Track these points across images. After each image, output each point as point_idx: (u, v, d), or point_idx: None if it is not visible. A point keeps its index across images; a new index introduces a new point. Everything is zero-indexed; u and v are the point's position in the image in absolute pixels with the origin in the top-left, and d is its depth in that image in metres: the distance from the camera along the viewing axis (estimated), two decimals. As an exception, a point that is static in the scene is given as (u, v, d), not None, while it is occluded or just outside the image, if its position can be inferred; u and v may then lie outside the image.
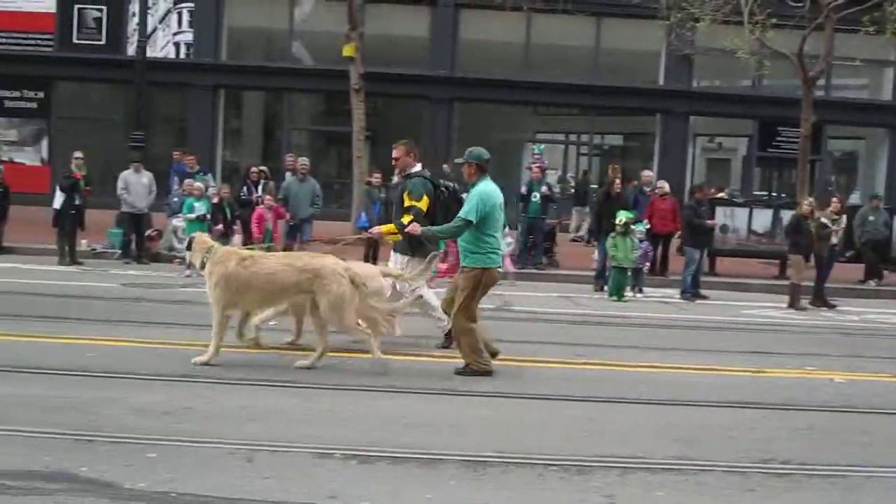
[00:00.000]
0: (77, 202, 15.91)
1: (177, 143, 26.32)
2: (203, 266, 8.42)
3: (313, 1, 27.61)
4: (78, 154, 16.89)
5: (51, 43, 27.23)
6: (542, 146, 19.69)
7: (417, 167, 9.48)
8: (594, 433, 6.75)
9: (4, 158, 25.88)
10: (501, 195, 8.60)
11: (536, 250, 17.40)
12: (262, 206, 15.26)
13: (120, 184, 15.98)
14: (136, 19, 24.83)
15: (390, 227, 9.49)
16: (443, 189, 9.56)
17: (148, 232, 16.90)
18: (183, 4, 26.88)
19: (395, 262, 9.52)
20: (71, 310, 11.11)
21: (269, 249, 14.75)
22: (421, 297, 9.43)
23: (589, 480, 5.62)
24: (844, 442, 6.91)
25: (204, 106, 26.88)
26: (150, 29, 23.66)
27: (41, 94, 27.56)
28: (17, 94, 27.61)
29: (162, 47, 26.84)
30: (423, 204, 9.18)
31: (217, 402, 7.08)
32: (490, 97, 26.58)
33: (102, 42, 27.10)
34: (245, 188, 16.85)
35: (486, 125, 28.35)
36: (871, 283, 17.60)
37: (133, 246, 16.25)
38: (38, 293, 12.40)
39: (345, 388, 7.65)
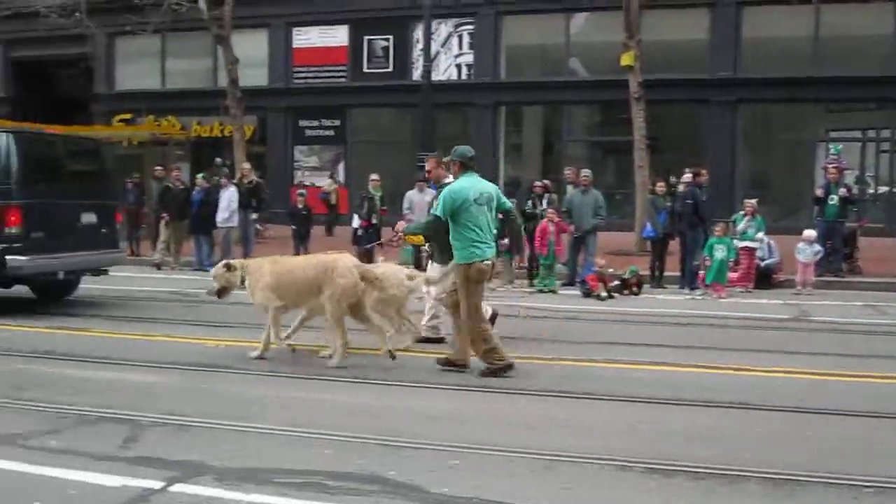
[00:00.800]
0: (374, 221, 16.91)
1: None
2: (242, 282, 9.21)
3: (588, 14, 27.70)
4: (374, 176, 17.95)
5: (344, 74, 29.26)
6: (840, 146, 18.46)
7: (450, 178, 9.43)
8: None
9: (306, 183, 28.08)
10: (485, 189, 8.61)
11: (835, 256, 16.33)
12: (545, 220, 15.47)
13: (405, 203, 16.79)
14: (419, 45, 26.14)
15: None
16: None
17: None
18: (463, 28, 27.93)
19: (434, 269, 9.78)
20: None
21: (549, 265, 15.06)
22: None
23: None
24: None
25: (485, 123, 27.75)
26: (433, 53, 24.75)
27: (337, 122, 29.67)
28: (315, 122, 29.91)
29: (444, 70, 28.02)
30: None
31: (512, 411, 7.23)
32: (776, 97, 25.32)
33: (390, 69, 28.75)
34: (529, 202, 17.15)
35: (771, 126, 27.10)
36: None
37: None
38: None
39: (656, 402, 7.55)
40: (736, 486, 5.42)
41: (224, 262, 9.83)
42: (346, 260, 8.97)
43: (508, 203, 9.22)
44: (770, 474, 5.56)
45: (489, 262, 8.51)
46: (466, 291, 8.43)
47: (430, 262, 10.25)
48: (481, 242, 8.42)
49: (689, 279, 15.14)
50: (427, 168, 10.51)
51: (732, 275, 15.14)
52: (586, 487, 5.40)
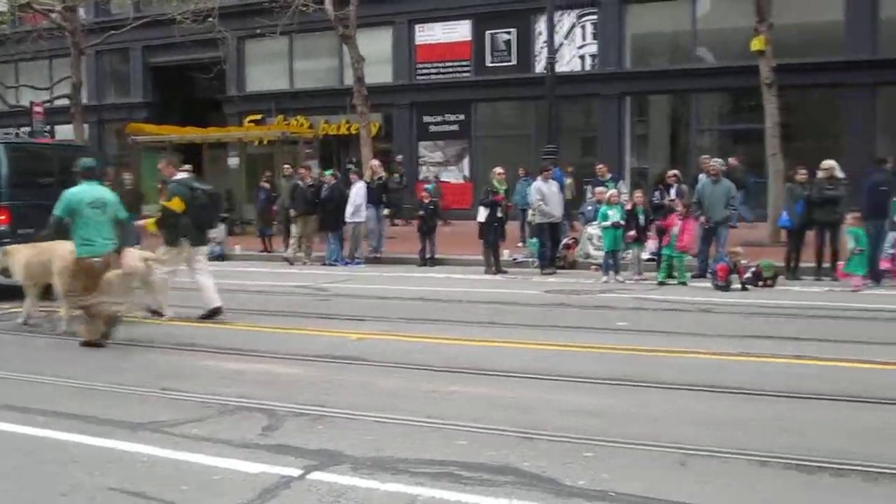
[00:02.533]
0: (499, 215, 16.92)
1: (586, 152, 27.13)
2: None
3: (714, -1, 26.99)
4: (499, 170, 17.94)
5: (468, 68, 29.38)
6: None
7: (179, 175, 12.17)
8: None
9: (431, 178, 28.35)
10: (101, 196, 10.01)
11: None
12: (674, 213, 15.17)
13: (536, 195, 16.71)
14: (542, 37, 26.01)
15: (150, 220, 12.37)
16: (198, 192, 11.74)
17: (565, 240, 17.51)
18: (586, 18, 27.63)
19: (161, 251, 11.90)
20: (499, 315, 11.85)
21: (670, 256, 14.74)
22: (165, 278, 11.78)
23: None
24: None
25: (610, 114, 27.41)
26: (556, 45, 24.57)
27: (461, 117, 29.82)
28: (439, 118, 30.13)
29: (568, 61, 27.78)
30: (175, 204, 11.52)
31: (646, 406, 7.12)
32: (920, 77, 24.08)
33: (513, 63, 28.71)
34: (658, 193, 16.83)
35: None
36: None
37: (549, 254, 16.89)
38: (471, 300, 13.40)
39: (782, 395, 7.32)
40: (879, 483, 5.21)
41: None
42: (64, 245, 10.38)
43: (124, 213, 10.36)
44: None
45: (98, 259, 9.85)
46: (70, 277, 10.21)
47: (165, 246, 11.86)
48: (88, 241, 9.78)
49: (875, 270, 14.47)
50: (159, 167, 13.49)
51: (887, 264, 14.44)
52: (721, 482, 5.27)
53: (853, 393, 7.26)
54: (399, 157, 29.14)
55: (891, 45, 24.21)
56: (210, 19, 25.66)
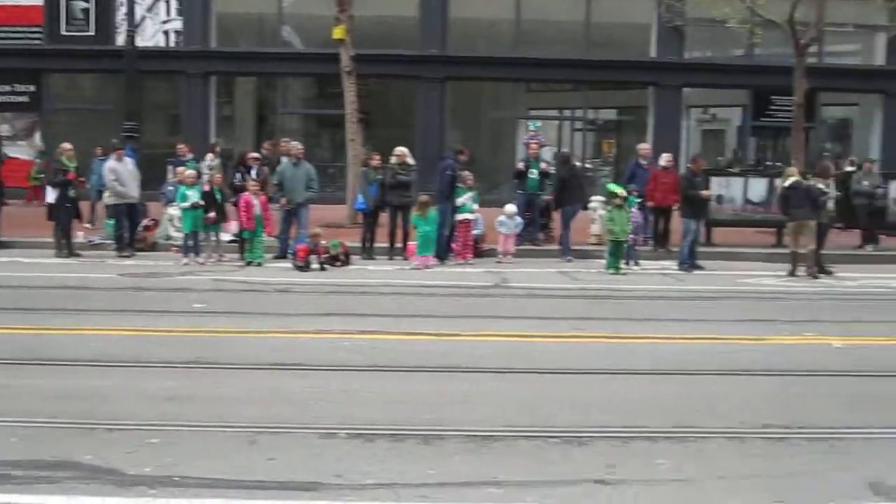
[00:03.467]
0: (72, 195, 15.86)
1: (171, 131, 26.30)
2: None
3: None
4: (67, 145, 16.76)
5: (40, 36, 27.11)
6: (539, 122, 19.60)
7: None
8: (595, 405, 6.79)
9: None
10: None
11: (534, 226, 17.36)
12: (248, 193, 15.20)
13: (109, 175, 15.90)
14: (123, 9, 24.74)
15: None
16: None
17: (144, 222, 16.86)
18: (171, -8, 26.76)
19: None
20: (71, 301, 11.14)
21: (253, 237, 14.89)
22: None
23: (590, 451, 5.67)
24: (843, 405, 6.95)
25: (195, 93, 26.78)
26: (138, 18, 23.51)
27: (32, 88, 27.45)
28: (7, 88, 27.51)
29: (151, 36, 26.66)
30: None
31: (221, 387, 7.10)
32: (482, 75, 26.47)
33: (91, 33, 26.95)
34: (238, 175, 16.79)
35: (479, 103, 28.33)
36: (868, 249, 17.61)
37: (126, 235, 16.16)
38: (38, 286, 12.43)
39: (351, 369, 7.68)
40: (436, 446, 5.68)
41: None
42: None
43: None
44: (472, 431, 5.88)
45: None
46: None
47: None
48: None
49: (441, 250, 15.48)
50: None
51: (452, 245, 15.71)
52: (291, 457, 5.41)
53: (403, 364, 7.87)
54: None
55: (460, 42, 26.32)
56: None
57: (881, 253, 17.39)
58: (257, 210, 15.01)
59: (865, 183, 17.78)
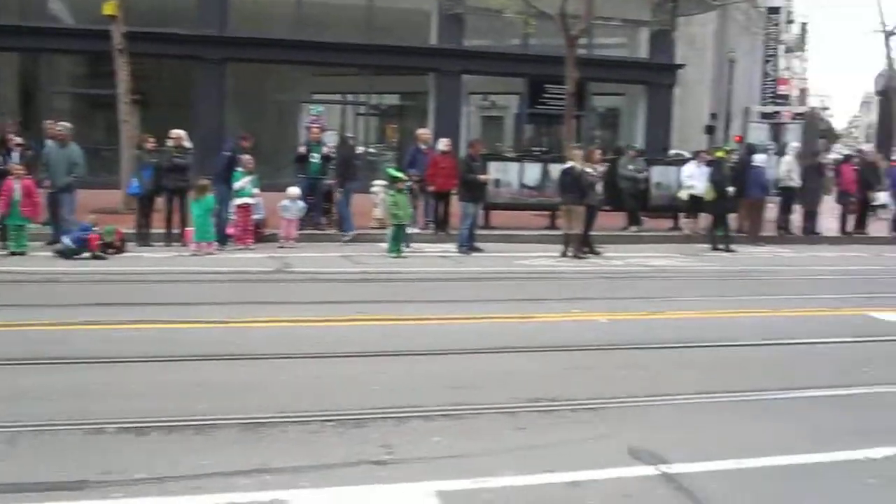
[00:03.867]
0: None
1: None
2: None
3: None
4: None
5: None
6: (321, 107, 19.48)
7: None
8: (374, 386, 6.85)
9: None
10: None
11: (316, 211, 17.29)
12: (11, 177, 14.18)
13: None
14: None
15: None
16: None
17: None
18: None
19: None
20: None
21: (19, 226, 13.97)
22: None
23: (366, 433, 5.71)
24: (607, 377, 7.38)
25: (-50, 69, 24.80)
26: None
27: None
28: None
29: None
30: None
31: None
32: (264, 57, 26.03)
33: None
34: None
35: (261, 86, 27.85)
36: (632, 230, 18.76)
37: None
38: None
39: (121, 361, 7.37)
40: (210, 436, 5.56)
41: None
42: None
43: None
44: (248, 419, 5.80)
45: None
46: None
47: None
48: None
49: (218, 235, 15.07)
50: None
51: (232, 231, 15.36)
52: (55, 456, 5.14)
53: (175, 353, 7.67)
54: None
55: (241, 23, 25.71)
56: None
57: (644, 233, 18.60)
58: (17, 195, 14.01)
59: (631, 168, 18.89)
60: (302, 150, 17.59)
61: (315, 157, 17.16)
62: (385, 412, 6.12)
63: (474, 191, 15.85)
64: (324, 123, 18.85)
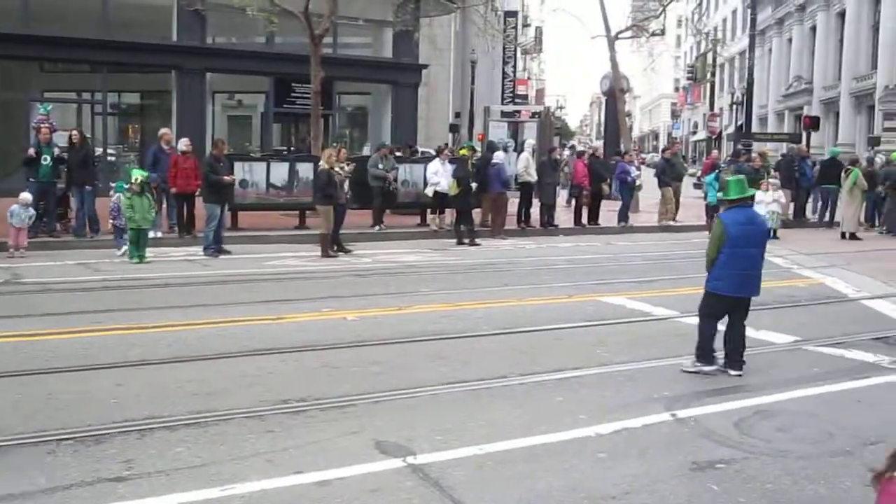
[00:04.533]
0: None
1: None
2: None
3: None
4: None
5: None
6: (50, 106, 18.20)
7: None
8: (114, 399, 6.55)
9: None
10: None
11: (49, 217, 16.21)
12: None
13: None
14: None
15: None
16: None
17: None
18: None
19: None
20: None
21: None
22: None
23: (105, 449, 5.47)
24: (357, 374, 7.47)
25: None
26: None
27: None
28: None
29: None
30: None
31: None
32: (-14, 52, 24.09)
33: None
34: None
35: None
36: (382, 227, 18.99)
37: None
38: None
39: None
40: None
41: None
42: None
43: None
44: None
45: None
46: None
47: None
48: None
49: None
50: None
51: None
52: None
53: None
54: None
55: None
56: None
57: (392, 230, 18.90)
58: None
59: (380, 167, 19.12)
60: (30, 152, 16.39)
61: (46, 160, 16.07)
62: (126, 426, 5.89)
63: (219, 192, 15.44)
64: (53, 123, 17.63)
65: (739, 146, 27.19)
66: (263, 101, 28.62)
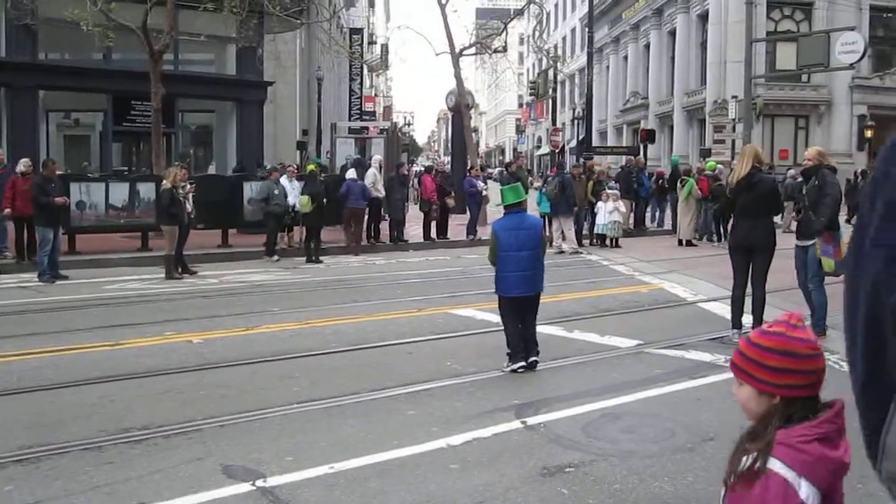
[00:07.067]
0: None
1: None
2: None
3: None
4: None
5: None
6: None
7: None
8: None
9: None
10: None
11: None
12: None
13: None
14: None
15: None
16: None
17: None
18: None
19: None
20: None
21: None
22: None
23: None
24: (201, 398, 7.23)
25: None
26: None
27: None
28: None
29: None
30: None
31: None
32: None
33: None
34: None
35: None
36: (228, 246, 18.56)
37: None
38: None
39: None
40: None
41: None
42: None
43: None
44: None
45: None
46: None
47: None
48: None
49: None
50: None
51: None
52: None
53: None
54: None
55: None
56: None
57: (239, 250, 18.47)
58: None
59: (276, 192, 18.49)
60: None
61: None
62: (-51, 466, 5.49)
63: (51, 214, 14.65)
64: None
65: (561, 160, 27.99)
66: (102, 119, 27.54)
